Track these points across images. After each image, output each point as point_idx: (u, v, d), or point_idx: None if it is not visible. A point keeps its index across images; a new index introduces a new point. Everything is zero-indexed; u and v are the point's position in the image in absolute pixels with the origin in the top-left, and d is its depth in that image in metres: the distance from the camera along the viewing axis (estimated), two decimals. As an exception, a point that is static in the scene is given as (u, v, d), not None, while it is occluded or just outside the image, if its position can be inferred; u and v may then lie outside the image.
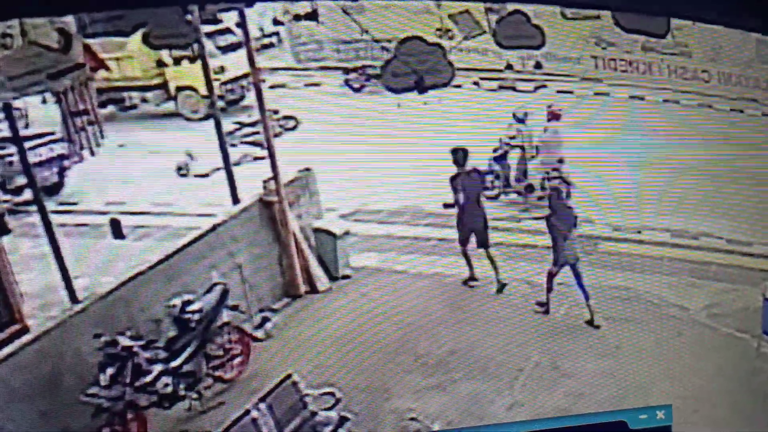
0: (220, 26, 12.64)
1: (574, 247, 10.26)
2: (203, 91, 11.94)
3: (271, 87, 12.31)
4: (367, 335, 9.90)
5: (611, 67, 12.93)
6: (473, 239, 10.64)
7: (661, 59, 12.71)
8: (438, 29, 12.01)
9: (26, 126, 11.34)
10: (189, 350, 9.32)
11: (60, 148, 11.48)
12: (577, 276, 10.26)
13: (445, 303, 10.55)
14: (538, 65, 13.05)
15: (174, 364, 9.18)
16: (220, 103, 12.04)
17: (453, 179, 10.52)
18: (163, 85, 12.71)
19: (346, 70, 11.63)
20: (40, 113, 11.81)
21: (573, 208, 10.39)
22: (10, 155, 10.74)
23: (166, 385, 9.09)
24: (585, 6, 11.28)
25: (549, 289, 10.46)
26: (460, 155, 10.27)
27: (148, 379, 8.96)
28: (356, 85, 11.47)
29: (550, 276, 10.40)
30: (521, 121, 11.93)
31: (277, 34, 13.86)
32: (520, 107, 11.92)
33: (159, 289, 9.53)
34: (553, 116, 11.72)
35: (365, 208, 11.70)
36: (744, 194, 11.01)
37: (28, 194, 10.35)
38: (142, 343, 9.02)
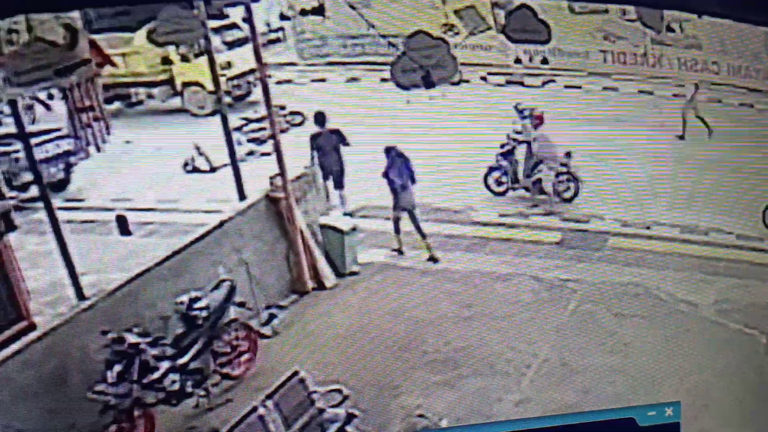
0: (226, 21, 12.64)
1: (411, 196, 11.29)
2: (210, 86, 11.94)
3: (278, 83, 12.33)
4: (374, 332, 9.89)
5: (620, 61, 12.89)
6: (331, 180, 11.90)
7: (661, 53, 12.68)
8: (443, 25, 11.99)
9: (33, 122, 11.35)
10: (196, 347, 9.31)
11: (66, 145, 11.49)
12: (414, 219, 11.36)
13: (453, 299, 10.53)
14: (544, 61, 13.01)
15: (181, 361, 9.17)
16: (227, 99, 12.02)
17: (313, 137, 11.61)
18: (170, 81, 12.72)
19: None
20: (46, 109, 11.83)
21: (410, 161, 11.09)
22: (17, 151, 10.76)
23: (174, 382, 9.08)
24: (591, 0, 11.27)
25: (397, 231, 11.43)
26: (320, 118, 11.52)
27: (156, 376, 8.95)
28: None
29: (396, 221, 11.42)
30: (525, 116, 11.90)
31: (281, 29, 13.86)
32: (518, 104, 11.89)
33: (166, 286, 9.52)
34: (539, 121, 11.70)
35: (372, 204, 11.69)
36: (754, 189, 10.96)
37: (34, 191, 10.35)
38: (149, 340, 9.01)
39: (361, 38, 12.92)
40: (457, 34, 12.17)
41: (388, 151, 11.10)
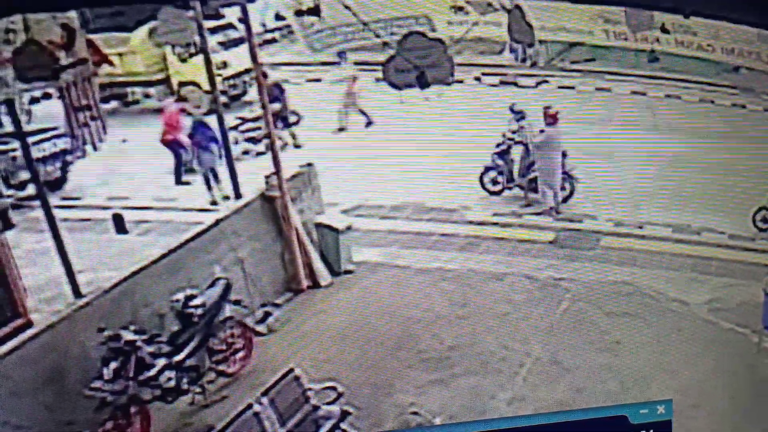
0: (222, 22, 12.70)
1: (213, 157, 12.11)
2: (206, 86, 11.98)
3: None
4: (369, 330, 9.92)
5: (622, 38, 13.02)
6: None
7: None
8: (452, 7, 12.19)
9: (28, 121, 11.41)
10: (192, 344, 9.33)
11: (63, 144, 11.55)
12: (215, 177, 12.24)
13: (447, 298, 10.57)
14: (533, 63, 13.14)
15: (177, 358, 9.19)
16: (223, 99, 12.05)
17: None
18: (166, 81, 12.77)
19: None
20: (44, 108, 11.88)
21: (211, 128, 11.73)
22: (14, 150, 10.80)
23: (170, 379, 9.09)
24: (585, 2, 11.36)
25: (208, 187, 12.31)
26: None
27: (152, 373, 8.97)
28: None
29: (205, 178, 12.30)
30: (521, 115, 11.94)
31: (288, 26, 13.92)
32: (515, 105, 11.94)
33: (162, 283, 9.54)
34: (552, 119, 11.71)
35: (367, 203, 11.73)
36: (746, 189, 11.02)
37: (31, 189, 10.40)
38: (145, 337, 9.02)
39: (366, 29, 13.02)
40: (467, 14, 12.37)
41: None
